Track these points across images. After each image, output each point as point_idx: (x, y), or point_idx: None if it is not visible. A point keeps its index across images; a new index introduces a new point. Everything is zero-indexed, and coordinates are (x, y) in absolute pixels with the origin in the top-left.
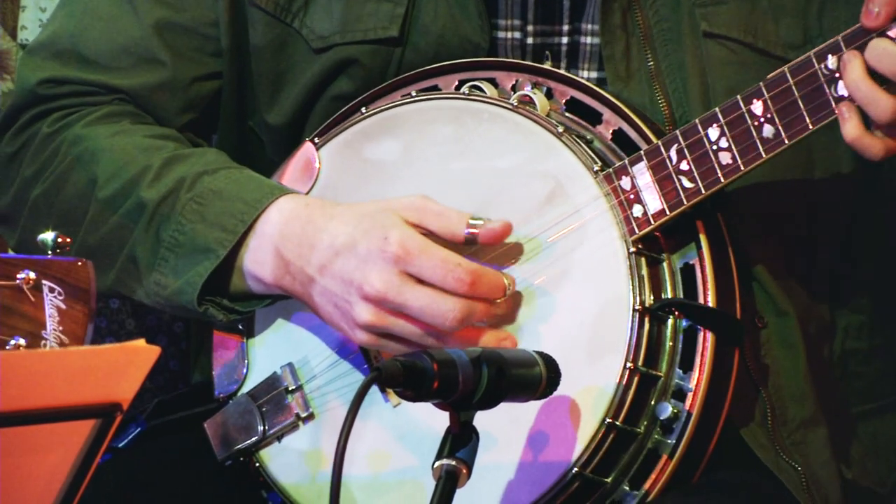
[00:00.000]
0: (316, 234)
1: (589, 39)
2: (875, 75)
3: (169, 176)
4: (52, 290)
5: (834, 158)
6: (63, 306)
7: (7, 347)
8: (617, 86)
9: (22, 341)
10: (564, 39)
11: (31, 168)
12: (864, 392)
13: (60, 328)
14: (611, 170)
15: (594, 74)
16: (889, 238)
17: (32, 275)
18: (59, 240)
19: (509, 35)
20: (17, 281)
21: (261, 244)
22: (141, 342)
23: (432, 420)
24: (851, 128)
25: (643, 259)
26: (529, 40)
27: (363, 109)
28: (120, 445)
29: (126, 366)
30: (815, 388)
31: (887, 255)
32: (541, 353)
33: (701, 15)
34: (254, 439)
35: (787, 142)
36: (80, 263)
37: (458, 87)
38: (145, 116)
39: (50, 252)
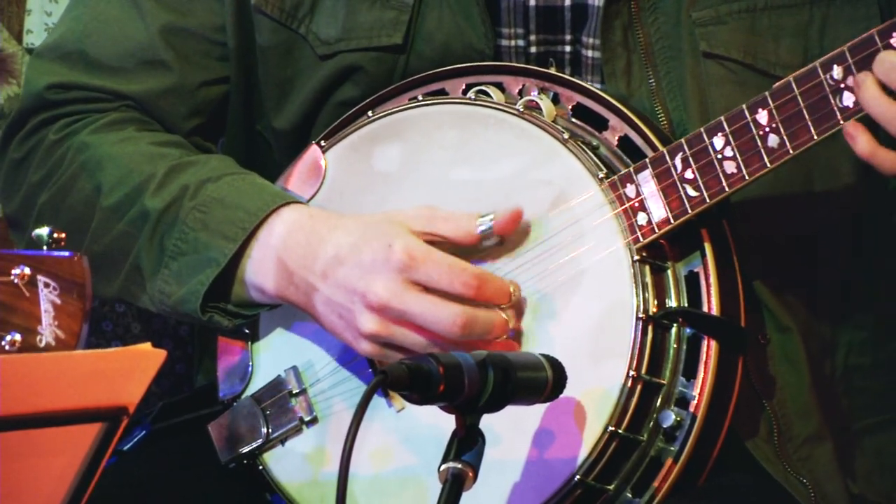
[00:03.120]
0: (320, 243)
1: (590, 53)
2: (888, 89)
3: (173, 184)
4: (47, 286)
5: (835, 176)
6: (58, 301)
7: (2, 343)
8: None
9: (17, 337)
10: (567, 48)
11: (37, 174)
12: (868, 407)
13: (56, 323)
14: (616, 177)
15: (597, 86)
16: (891, 255)
17: (27, 270)
18: (55, 235)
19: (513, 43)
20: (12, 277)
21: (264, 255)
22: (147, 346)
23: (435, 424)
24: (864, 144)
25: (647, 267)
26: (533, 49)
27: (370, 113)
28: (125, 448)
29: (132, 369)
30: (819, 404)
31: (890, 271)
32: (546, 356)
33: (700, 35)
34: (257, 442)
35: (791, 152)
36: (75, 258)
37: (465, 91)
38: (151, 123)
39: (45, 247)
